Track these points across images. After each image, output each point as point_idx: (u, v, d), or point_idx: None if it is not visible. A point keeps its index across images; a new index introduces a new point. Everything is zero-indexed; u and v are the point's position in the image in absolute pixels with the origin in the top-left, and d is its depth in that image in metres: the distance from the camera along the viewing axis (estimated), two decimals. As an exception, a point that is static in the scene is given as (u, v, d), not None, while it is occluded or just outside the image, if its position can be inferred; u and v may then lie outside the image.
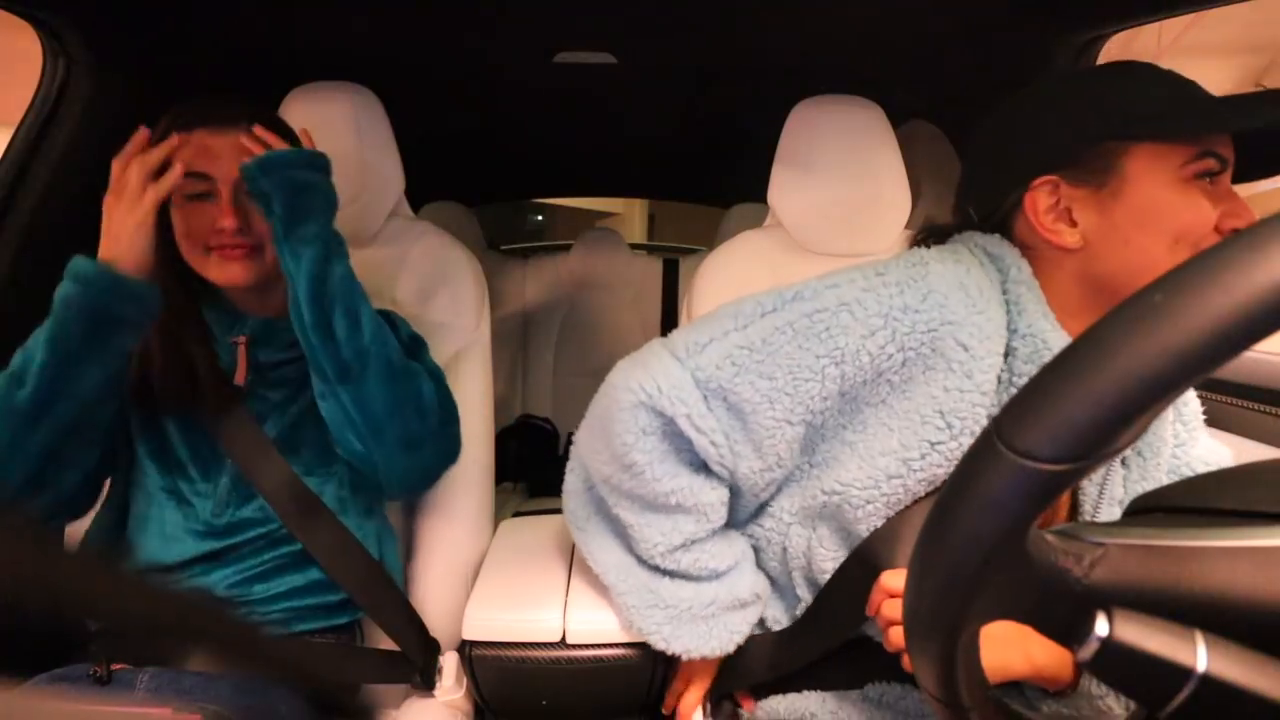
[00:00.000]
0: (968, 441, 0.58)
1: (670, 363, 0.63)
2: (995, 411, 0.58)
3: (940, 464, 0.59)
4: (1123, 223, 0.57)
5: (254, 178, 0.74)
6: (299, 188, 0.76)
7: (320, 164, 0.79)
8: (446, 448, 0.90)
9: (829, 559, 0.66)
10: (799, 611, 0.71)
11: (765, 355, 0.61)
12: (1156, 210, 0.56)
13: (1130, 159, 0.57)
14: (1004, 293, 0.60)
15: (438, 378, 0.90)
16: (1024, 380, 0.57)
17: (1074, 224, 0.59)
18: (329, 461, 0.84)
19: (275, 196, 0.74)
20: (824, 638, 0.68)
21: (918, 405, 0.59)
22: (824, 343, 0.59)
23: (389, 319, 0.91)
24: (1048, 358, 0.54)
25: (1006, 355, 0.59)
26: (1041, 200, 0.60)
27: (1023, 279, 0.60)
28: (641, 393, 0.62)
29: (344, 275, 0.79)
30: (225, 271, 0.79)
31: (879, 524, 0.62)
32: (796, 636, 0.71)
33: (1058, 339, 0.58)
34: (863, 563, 0.63)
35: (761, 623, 0.74)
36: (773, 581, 0.74)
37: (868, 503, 0.61)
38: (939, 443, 0.58)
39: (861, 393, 0.60)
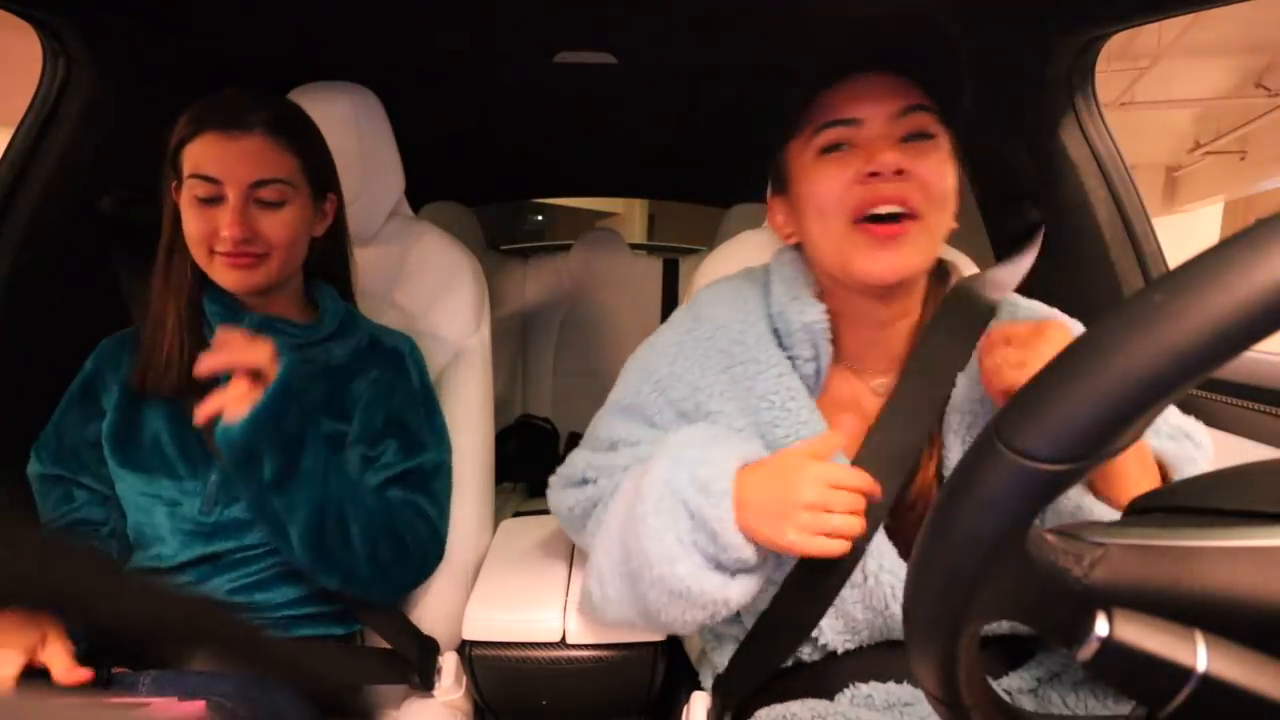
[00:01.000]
0: (792, 405, 0.68)
1: (573, 454, 0.82)
2: (800, 374, 0.69)
3: (787, 433, 0.68)
4: (799, 213, 0.69)
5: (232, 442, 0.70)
6: (291, 442, 0.73)
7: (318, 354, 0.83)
8: (433, 560, 0.89)
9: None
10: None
11: (624, 395, 0.77)
12: (803, 195, 0.68)
13: (786, 162, 0.70)
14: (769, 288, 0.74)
15: (442, 467, 0.90)
16: (794, 349, 0.70)
17: (789, 224, 0.73)
18: None
19: (266, 459, 0.71)
20: (782, 645, 0.69)
21: (744, 400, 0.70)
22: (649, 377, 0.75)
23: (400, 360, 0.90)
24: (795, 325, 0.69)
25: (783, 336, 0.71)
26: (775, 216, 0.75)
27: (776, 269, 0.74)
28: (555, 478, 0.84)
29: (338, 494, 0.76)
30: (229, 277, 0.78)
31: None
32: (759, 639, 0.71)
33: (794, 309, 0.70)
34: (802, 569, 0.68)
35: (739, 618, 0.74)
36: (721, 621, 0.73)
37: None
38: (773, 420, 0.68)
39: (689, 408, 0.72)
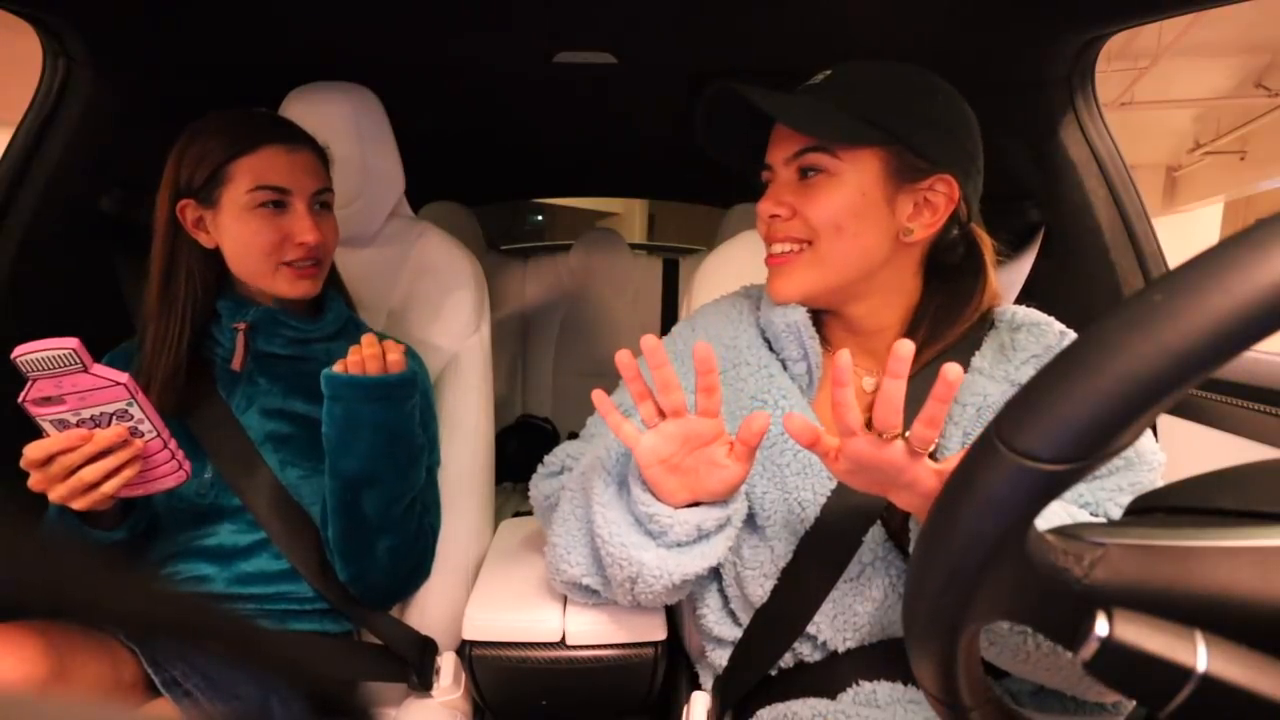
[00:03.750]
0: (785, 404, 0.70)
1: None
2: (791, 375, 0.71)
3: (783, 431, 0.67)
4: None
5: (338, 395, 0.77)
6: (389, 436, 0.79)
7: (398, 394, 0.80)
8: (423, 575, 0.92)
9: (757, 578, 0.70)
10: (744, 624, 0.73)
11: (618, 398, 0.76)
12: None
13: None
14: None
15: (433, 476, 0.92)
16: (783, 351, 0.72)
17: None
18: (314, 457, 0.82)
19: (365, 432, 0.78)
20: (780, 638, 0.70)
21: (734, 403, 0.72)
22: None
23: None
24: (779, 327, 0.71)
25: (771, 340, 0.74)
26: None
27: (762, 284, 0.76)
28: (540, 468, 0.85)
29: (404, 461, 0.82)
30: (296, 287, 0.81)
31: (775, 515, 0.69)
32: (755, 643, 0.72)
33: (778, 311, 0.71)
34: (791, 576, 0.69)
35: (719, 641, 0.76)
36: (717, 618, 0.75)
37: (760, 491, 0.69)
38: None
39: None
